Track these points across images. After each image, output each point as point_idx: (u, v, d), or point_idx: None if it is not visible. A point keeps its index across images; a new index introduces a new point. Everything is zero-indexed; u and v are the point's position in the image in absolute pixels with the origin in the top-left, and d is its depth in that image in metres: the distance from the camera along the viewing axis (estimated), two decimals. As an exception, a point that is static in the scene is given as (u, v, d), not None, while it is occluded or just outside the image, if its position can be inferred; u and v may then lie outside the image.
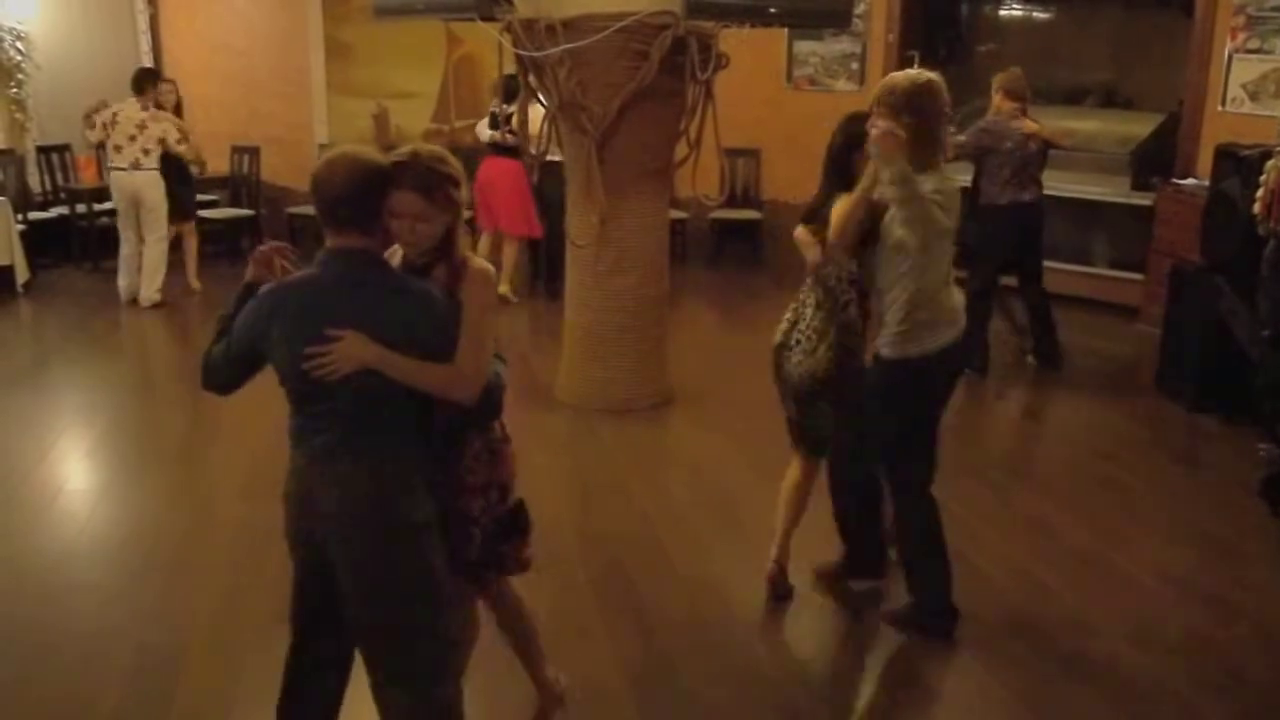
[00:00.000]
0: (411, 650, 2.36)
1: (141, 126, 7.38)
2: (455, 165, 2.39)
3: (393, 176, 2.27)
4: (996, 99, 5.93)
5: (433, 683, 2.39)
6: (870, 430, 3.39)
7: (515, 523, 2.63)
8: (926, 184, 3.03)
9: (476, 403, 2.36)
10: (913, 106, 3.04)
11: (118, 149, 7.42)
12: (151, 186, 7.49)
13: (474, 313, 2.35)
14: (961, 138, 5.88)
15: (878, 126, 2.95)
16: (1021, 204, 5.89)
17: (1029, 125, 5.89)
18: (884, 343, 3.26)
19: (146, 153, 7.40)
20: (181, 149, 7.51)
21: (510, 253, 7.64)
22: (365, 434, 2.27)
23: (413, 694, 2.37)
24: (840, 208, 3.15)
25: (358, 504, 2.25)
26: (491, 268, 2.50)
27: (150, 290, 7.58)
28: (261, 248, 2.47)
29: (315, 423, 2.27)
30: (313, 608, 2.41)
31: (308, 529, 2.32)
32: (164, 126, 7.44)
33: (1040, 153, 5.96)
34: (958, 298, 3.30)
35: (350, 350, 2.19)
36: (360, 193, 2.23)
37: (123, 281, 7.72)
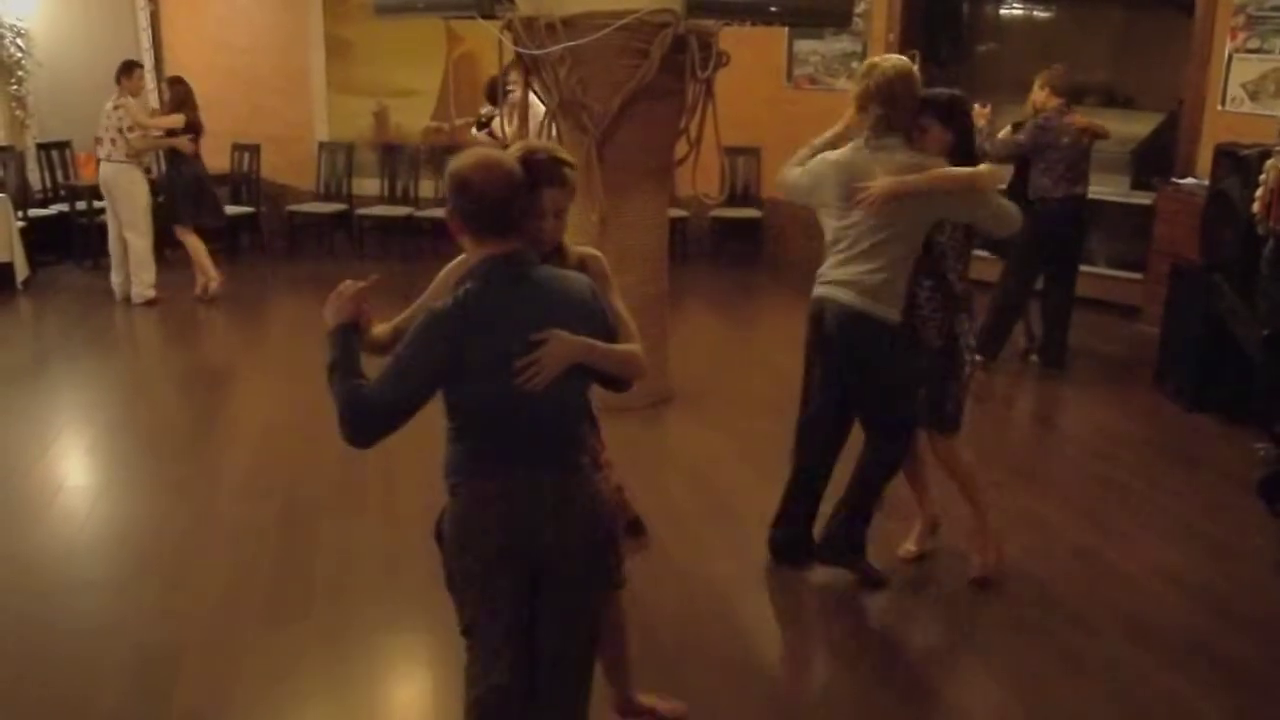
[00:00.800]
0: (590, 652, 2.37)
1: (108, 117, 7.40)
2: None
3: (535, 175, 2.26)
4: (1041, 95, 5.99)
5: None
6: None
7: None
8: (846, 150, 3.47)
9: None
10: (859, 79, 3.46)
11: (98, 141, 7.48)
12: (119, 177, 7.46)
13: (616, 292, 2.43)
14: (1020, 137, 5.94)
15: None
16: (1074, 197, 6.00)
17: (1079, 120, 5.99)
18: None
19: (114, 143, 7.41)
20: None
21: None
22: (566, 435, 2.24)
23: (573, 704, 2.32)
24: None
25: (585, 509, 2.22)
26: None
27: (140, 287, 7.56)
28: (342, 292, 2.25)
29: (512, 439, 2.17)
30: (520, 642, 2.22)
31: (522, 555, 2.18)
32: (119, 114, 7.40)
33: (1089, 146, 6.04)
34: (840, 268, 3.46)
35: (560, 349, 2.11)
36: (522, 194, 2.19)
37: (116, 278, 7.70)
